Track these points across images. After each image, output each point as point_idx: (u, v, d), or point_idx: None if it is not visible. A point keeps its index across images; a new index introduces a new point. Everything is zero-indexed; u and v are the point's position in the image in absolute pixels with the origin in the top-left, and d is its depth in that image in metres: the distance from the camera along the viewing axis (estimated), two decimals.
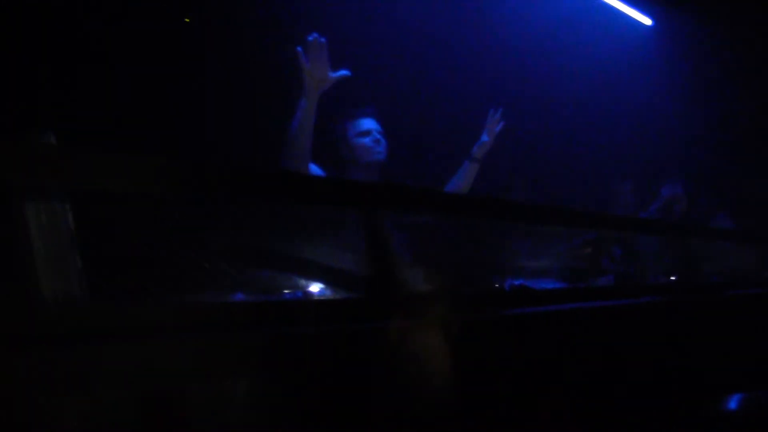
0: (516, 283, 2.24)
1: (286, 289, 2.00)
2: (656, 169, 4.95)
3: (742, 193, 5.13)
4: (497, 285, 2.38)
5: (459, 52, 4.39)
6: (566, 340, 1.90)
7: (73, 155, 1.18)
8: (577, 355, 1.92)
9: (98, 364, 1.03)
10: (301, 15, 3.49)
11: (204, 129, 3.38)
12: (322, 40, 2.65)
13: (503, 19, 4.48)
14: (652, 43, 5.29)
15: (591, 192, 4.95)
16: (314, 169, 2.87)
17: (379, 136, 3.12)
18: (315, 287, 1.98)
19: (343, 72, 2.73)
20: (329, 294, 1.95)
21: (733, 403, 2.01)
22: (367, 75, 3.02)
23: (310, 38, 2.64)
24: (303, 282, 1.99)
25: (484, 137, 3.32)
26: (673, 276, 3.04)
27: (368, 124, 3.14)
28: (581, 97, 4.90)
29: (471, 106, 3.81)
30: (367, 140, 3.11)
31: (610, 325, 2.08)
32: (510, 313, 1.86)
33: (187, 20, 3.57)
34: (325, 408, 1.35)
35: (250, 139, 3.45)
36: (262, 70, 3.52)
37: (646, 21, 5.26)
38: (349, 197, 1.68)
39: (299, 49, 2.63)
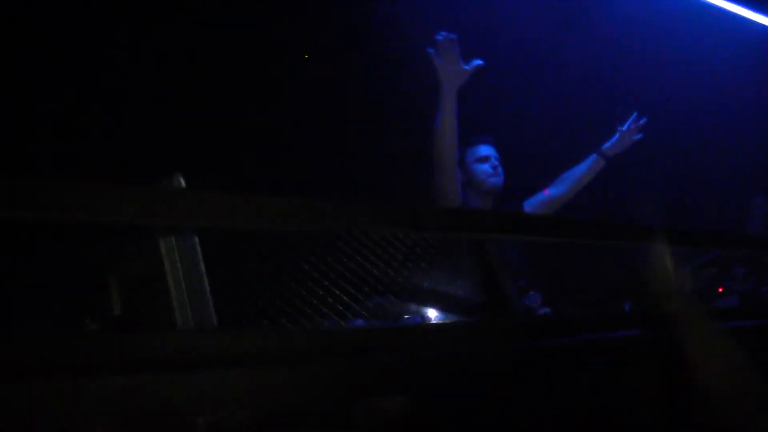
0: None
1: (406, 315, 2.06)
2: None
3: None
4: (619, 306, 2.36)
5: (572, 65, 4.37)
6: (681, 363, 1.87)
7: (201, 197, 1.29)
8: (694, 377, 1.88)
9: (226, 386, 1.12)
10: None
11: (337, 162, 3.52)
12: (453, 36, 2.71)
13: (620, 33, 4.43)
14: None
15: (721, 208, 4.78)
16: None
17: (497, 163, 3.14)
18: (433, 313, 2.03)
19: (477, 62, 2.77)
20: (446, 318, 1.99)
21: None
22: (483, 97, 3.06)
23: (440, 37, 2.70)
24: (422, 308, 2.04)
25: (619, 135, 3.28)
26: None
27: (486, 150, 3.17)
28: (703, 108, 4.75)
29: (585, 125, 3.78)
30: (485, 166, 3.14)
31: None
32: (629, 335, 1.85)
33: (306, 56, 3.72)
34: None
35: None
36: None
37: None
38: (460, 225, 1.74)
39: (430, 50, 2.70)
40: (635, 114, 3.26)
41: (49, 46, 2.75)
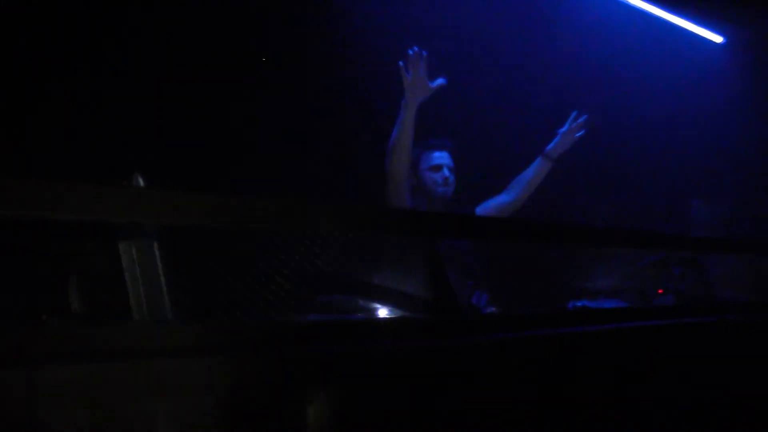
0: (578, 304, 2.31)
1: (355, 311, 2.12)
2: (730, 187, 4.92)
3: None
4: (561, 305, 2.45)
5: (530, 69, 4.46)
6: (625, 357, 1.97)
7: (158, 196, 1.34)
8: (638, 371, 1.98)
9: (181, 374, 1.17)
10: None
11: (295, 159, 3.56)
12: (424, 53, 2.78)
13: (573, 40, 4.53)
14: (724, 60, 5.23)
15: (660, 211, 4.92)
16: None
17: (448, 173, 3.14)
18: (382, 310, 2.09)
19: (440, 81, 2.85)
20: (395, 315, 2.05)
21: None
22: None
23: (411, 52, 2.78)
24: (371, 304, 2.10)
25: (560, 136, 3.31)
26: (747, 294, 3.03)
27: (441, 159, 3.17)
28: (650, 115, 4.89)
29: (536, 129, 3.86)
30: (436, 176, 3.14)
31: (670, 343, 2.13)
32: (572, 332, 1.94)
33: (264, 59, 3.75)
34: (393, 419, 1.46)
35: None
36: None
37: (717, 39, 5.22)
38: (411, 227, 1.81)
39: (401, 63, 2.78)
40: (574, 113, 3.31)
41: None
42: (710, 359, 2.23)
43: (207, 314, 1.58)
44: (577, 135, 3.29)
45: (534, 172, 3.30)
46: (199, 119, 3.18)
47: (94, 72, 2.95)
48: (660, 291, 2.77)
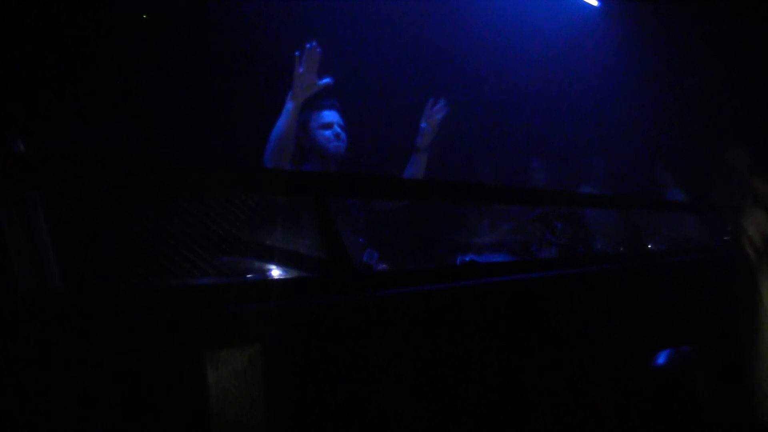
0: (466, 258, 2.39)
1: (250, 273, 2.13)
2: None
3: (690, 168, 5.34)
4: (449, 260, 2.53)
5: (409, 38, 4.52)
6: (511, 308, 2.07)
7: (41, 161, 1.31)
8: (523, 321, 2.09)
9: (76, 346, 1.16)
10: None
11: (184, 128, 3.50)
12: (318, 49, 2.78)
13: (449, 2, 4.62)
14: (598, 24, 5.44)
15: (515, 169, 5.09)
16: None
17: (339, 130, 3.16)
18: (276, 270, 2.11)
19: (327, 80, 2.85)
20: (289, 274, 2.07)
21: (661, 358, 2.18)
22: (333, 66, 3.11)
23: (309, 45, 2.77)
24: (265, 265, 2.12)
25: (423, 125, 3.32)
26: (620, 246, 3.22)
27: (331, 116, 3.19)
28: (524, 75, 5.04)
29: (424, 95, 3.93)
30: (328, 133, 3.15)
31: (553, 293, 2.25)
32: (460, 285, 2.02)
33: (144, 16, 3.66)
34: (293, 378, 1.49)
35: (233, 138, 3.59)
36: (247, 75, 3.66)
37: (593, 2, 5.41)
38: (300, 186, 1.83)
39: (297, 53, 2.76)
40: (430, 100, 3.35)
41: None
42: (592, 305, 2.37)
43: (99, 279, 1.56)
44: (439, 117, 3.32)
45: (413, 168, 3.31)
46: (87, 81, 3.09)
47: None
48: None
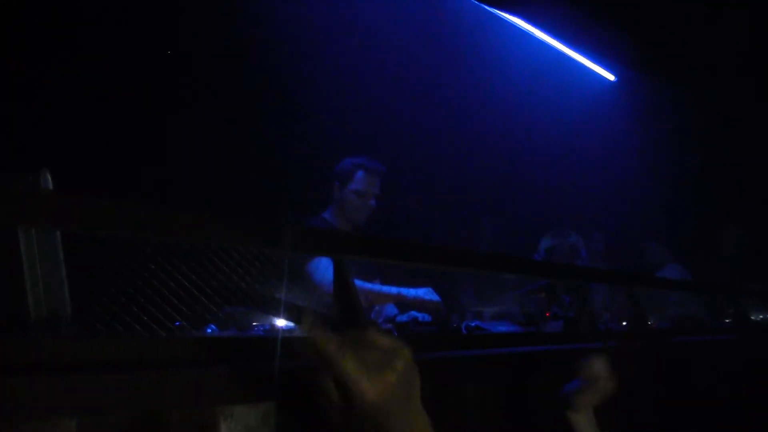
0: (472, 324, 2.37)
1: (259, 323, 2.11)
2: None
3: (696, 244, 5.35)
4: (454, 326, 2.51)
5: (432, 102, 4.56)
6: (517, 381, 2.04)
7: (63, 200, 1.30)
8: (529, 395, 2.05)
9: (78, 390, 1.13)
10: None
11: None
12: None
13: (475, 68, 4.67)
14: (615, 98, 5.51)
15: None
16: None
17: (373, 203, 3.06)
18: (281, 322, 2.09)
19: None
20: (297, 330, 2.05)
21: None
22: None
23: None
24: (273, 319, 2.09)
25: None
26: (624, 322, 3.20)
27: (372, 186, 3.08)
28: (542, 145, 5.09)
29: (439, 155, 3.94)
30: (360, 202, 3.07)
31: (558, 368, 2.22)
32: (466, 354, 1.99)
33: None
34: None
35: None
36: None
37: (610, 77, 5.50)
38: (321, 246, 1.83)
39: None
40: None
41: None
42: None
43: (106, 326, 1.53)
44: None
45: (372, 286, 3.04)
46: (113, 118, 3.10)
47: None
48: (548, 314, 2.88)
